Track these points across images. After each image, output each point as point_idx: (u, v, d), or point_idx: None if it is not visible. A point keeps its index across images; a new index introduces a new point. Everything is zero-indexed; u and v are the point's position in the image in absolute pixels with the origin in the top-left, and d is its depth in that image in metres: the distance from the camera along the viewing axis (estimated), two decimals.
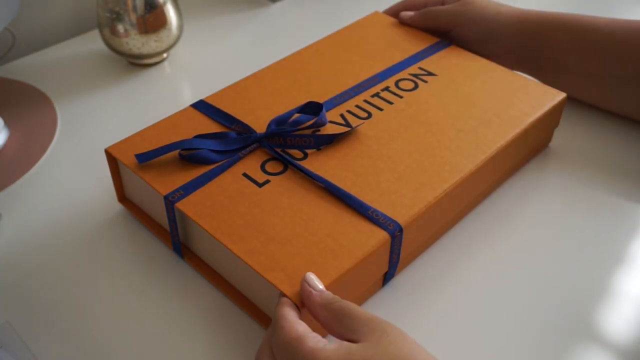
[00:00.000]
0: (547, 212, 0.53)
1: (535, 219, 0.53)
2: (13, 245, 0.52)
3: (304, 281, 0.39)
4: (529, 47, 0.60)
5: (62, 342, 0.45)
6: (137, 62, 0.71)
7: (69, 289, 0.48)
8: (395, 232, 0.44)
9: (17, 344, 0.44)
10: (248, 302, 0.46)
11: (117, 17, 0.66)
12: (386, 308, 0.46)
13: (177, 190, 0.47)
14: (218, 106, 0.54)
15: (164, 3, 0.67)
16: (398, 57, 0.60)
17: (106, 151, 0.50)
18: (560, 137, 0.60)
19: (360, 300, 0.46)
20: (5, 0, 0.58)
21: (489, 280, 0.48)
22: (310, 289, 0.39)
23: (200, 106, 0.55)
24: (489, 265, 0.49)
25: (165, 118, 0.54)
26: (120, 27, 0.66)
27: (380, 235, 0.43)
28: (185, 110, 0.54)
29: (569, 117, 0.61)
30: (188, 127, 0.52)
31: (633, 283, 0.48)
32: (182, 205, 0.46)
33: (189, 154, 0.49)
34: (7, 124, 0.63)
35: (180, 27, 0.70)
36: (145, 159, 0.49)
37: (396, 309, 0.46)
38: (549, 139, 0.59)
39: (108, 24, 0.67)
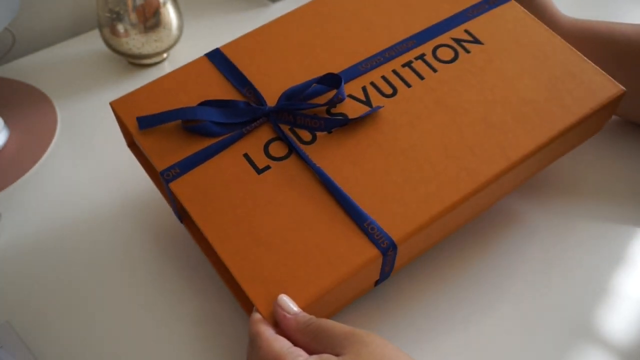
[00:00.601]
0: (549, 220, 0.53)
1: (537, 226, 0.53)
2: (13, 245, 0.52)
3: (277, 305, 0.38)
4: None
5: (62, 342, 0.45)
6: (137, 62, 0.71)
7: (68, 288, 0.48)
8: (387, 250, 0.41)
9: (17, 344, 0.44)
10: (235, 282, 0.44)
11: (117, 17, 0.66)
12: (376, 309, 0.46)
13: (173, 166, 0.45)
14: (233, 60, 0.50)
15: (164, 3, 0.67)
16: (444, 12, 0.52)
17: (111, 105, 0.48)
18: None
19: (349, 303, 0.45)
20: (5, 0, 0.58)
21: (487, 282, 0.48)
22: (284, 313, 0.38)
23: (215, 57, 0.50)
24: (488, 267, 0.49)
25: (177, 69, 0.50)
26: (120, 27, 0.66)
27: (371, 253, 0.41)
28: (198, 60, 0.51)
29: None
30: (198, 83, 0.49)
31: (633, 285, 0.48)
32: (175, 186, 0.44)
33: (191, 125, 0.46)
34: (7, 124, 0.63)
35: (180, 27, 0.70)
36: (146, 124, 0.46)
37: (387, 309, 0.46)
38: (598, 128, 0.51)
39: (108, 24, 0.67)
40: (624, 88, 0.49)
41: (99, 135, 0.62)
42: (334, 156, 0.45)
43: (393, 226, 0.42)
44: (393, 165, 0.44)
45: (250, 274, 0.40)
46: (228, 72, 0.49)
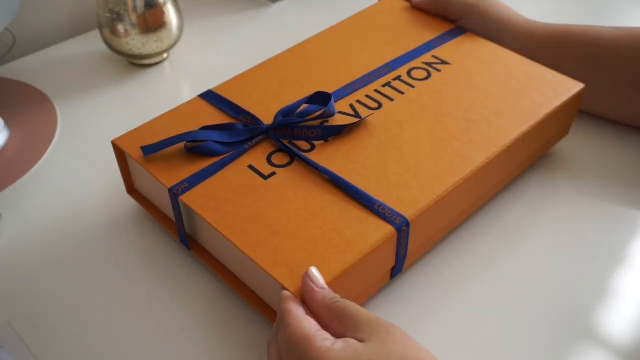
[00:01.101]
0: (556, 211, 0.53)
1: (545, 218, 0.52)
2: (13, 245, 0.52)
3: (306, 276, 0.39)
4: (535, 58, 0.59)
5: (62, 342, 0.45)
6: (137, 62, 0.71)
7: (69, 288, 0.48)
8: (401, 226, 0.43)
9: (17, 344, 0.44)
10: (253, 295, 0.45)
11: (117, 17, 0.66)
12: (392, 302, 0.46)
13: (181, 182, 0.46)
14: (226, 96, 0.54)
15: (164, 3, 0.67)
16: (411, 44, 0.59)
17: (112, 143, 0.50)
18: (567, 140, 0.59)
19: (367, 294, 0.46)
20: (5, 0, 0.58)
21: (493, 278, 0.48)
22: (312, 285, 0.38)
23: (208, 96, 0.54)
24: (494, 263, 0.49)
25: (172, 109, 0.53)
26: (120, 27, 0.66)
27: (386, 230, 0.43)
28: (192, 100, 0.54)
29: (577, 121, 0.61)
30: (195, 118, 0.52)
31: (633, 285, 0.48)
32: (186, 197, 0.45)
33: (194, 145, 0.48)
34: (7, 124, 0.63)
35: (180, 27, 0.70)
36: (150, 151, 0.48)
37: (403, 303, 0.46)
38: (566, 130, 0.57)
39: (108, 24, 0.67)
40: (583, 84, 0.54)
41: (99, 135, 0.62)
42: (333, 159, 0.48)
43: (402, 207, 0.44)
44: (391, 160, 0.48)
45: (272, 260, 0.41)
46: (223, 106, 0.53)
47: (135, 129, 0.51)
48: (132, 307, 0.47)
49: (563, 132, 0.57)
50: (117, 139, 0.50)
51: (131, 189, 0.53)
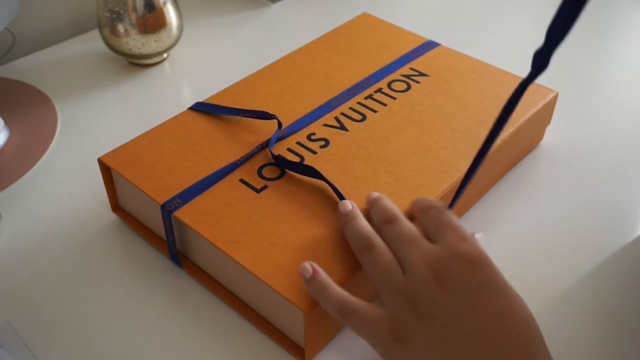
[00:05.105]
0: (540, 209, 0.53)
1: (529, 216, 0.53)
2: (13, 245, 0.52)
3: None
4: None
5: (62, 342, 0.45)
6: (137, 62, 0.71)
7: (68, 289, 0.48)
8: None
9: (17, 344, 0.44)
10: (249, 309, 0.45)
11: (117, 17, 0.66)
12: None
13: (174, 198, 0.46)
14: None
15: (164, 3, 0.67)
16: (389, 58, 0.61)
17: (99, 160, 0.50)
18: (552, 134, 0.60)
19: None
20: (5, 0, 0.58)
21: None
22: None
23: (199, 106, 0.55)
24: None
25: (159, 124, 0.53)
26: (120, 27, 0.66)
27: None
28: (182, 113, 0.54)
29: (559, 114, 0.61)
30: (182, 132, 0.52)
31: (628, 277, 0.48)
32: (180, 213, 0.45)
33: None
34: (7, 124, 0.63)
35: (180, 27, 0.70)
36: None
37: None
38: (540, 136, 0.59)
39: (108, 24, 0.67)
40: (557, 91, 0.56)
41: (98, 135, 0.62)
42: (324, 170, 0.49)
43: None
44: (380, 169, 0.49)
45: (272, 272, 0.41)
46: (217, 110, 0.54)
47: (122, 146, 0.51)
48: (133, 307, 0.47)
49: (539, 137, 0.59)
50: (104, 156, 0.50)
51: (116, 207, 0.53)
